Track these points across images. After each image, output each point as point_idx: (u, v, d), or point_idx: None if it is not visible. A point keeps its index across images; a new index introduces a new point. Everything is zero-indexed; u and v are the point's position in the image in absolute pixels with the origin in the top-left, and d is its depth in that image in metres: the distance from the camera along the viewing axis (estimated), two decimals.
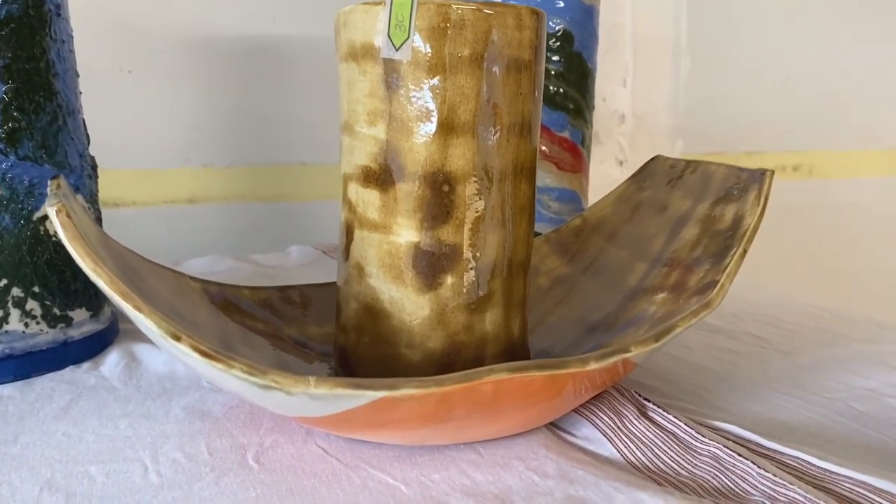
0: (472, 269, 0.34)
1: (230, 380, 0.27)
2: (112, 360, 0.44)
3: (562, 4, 0.53)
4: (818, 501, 0.27)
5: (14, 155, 0.40)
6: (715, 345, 0.49)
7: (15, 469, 0.32)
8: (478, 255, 0.34)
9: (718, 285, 0.35)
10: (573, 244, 0.48)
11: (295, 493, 0.30)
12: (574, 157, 0.56)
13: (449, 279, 0.34)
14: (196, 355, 0.27)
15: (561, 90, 0.54)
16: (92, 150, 0.47)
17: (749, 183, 0.40)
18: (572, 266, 0.47)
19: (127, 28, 0.75)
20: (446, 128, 0.32)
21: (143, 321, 0.27)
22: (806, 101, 1.12)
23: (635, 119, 0.99)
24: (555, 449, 0.33)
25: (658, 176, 0.47)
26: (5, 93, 0.40)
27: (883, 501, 0.27)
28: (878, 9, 1.16)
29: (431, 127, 0.32)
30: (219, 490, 0.31)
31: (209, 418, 0.37)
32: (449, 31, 0.32)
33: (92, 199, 0.46)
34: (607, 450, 0.33)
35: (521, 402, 0.31)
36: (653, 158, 0.49)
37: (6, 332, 0.41)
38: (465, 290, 0.34)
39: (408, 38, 0.32)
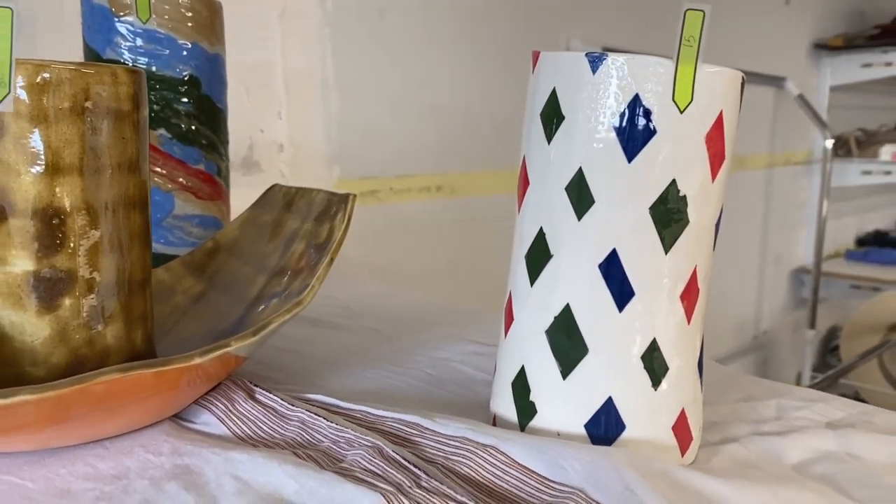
0: (89, 290, 0.39)
1: None
2: None
3: (186, 53, 0.60)
4: (364, 437, 0.36)
5: None
6: (335, 339, 0.58)
7: None
8: (95, 277, 0.39)
9: (310, 287, 0.45)
10: (207, 264, 0.55)
11: None
12: (211, 186, 0.63)
13: (67, 301, 0.39)
14: None
15: (193, 127, 0.61)
16: None
17: (339, 204, 0.50)
18: (205, 284, 0.54)
19: None
20: (54, 169, 0.37)
21: None
22: (444, 128, 1.30)
23: (293, 148, 1.08)
24: (174, 434, 0.39)
25: (275, 202, 0.56)
26: None
27: (409, 429, 0.38)
28: (497, 48, 1.38)
29: (39, 168, 0.37)
30: None
31: None
32: (49, 87, 0.37)
33: None
34: (220, 430, 0.40)
35: (137, 397, 0.37)
36: (271, 187, 0.57)
37: None
38: (84, 310, 0.39)
39: (9, 91, 0.36)
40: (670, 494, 0.32)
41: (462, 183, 1.34)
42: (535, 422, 0.38)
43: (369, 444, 0.36)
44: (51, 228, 0.38)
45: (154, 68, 0.59)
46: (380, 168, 1.21)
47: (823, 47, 2.39)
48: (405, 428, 0.38)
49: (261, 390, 0.43)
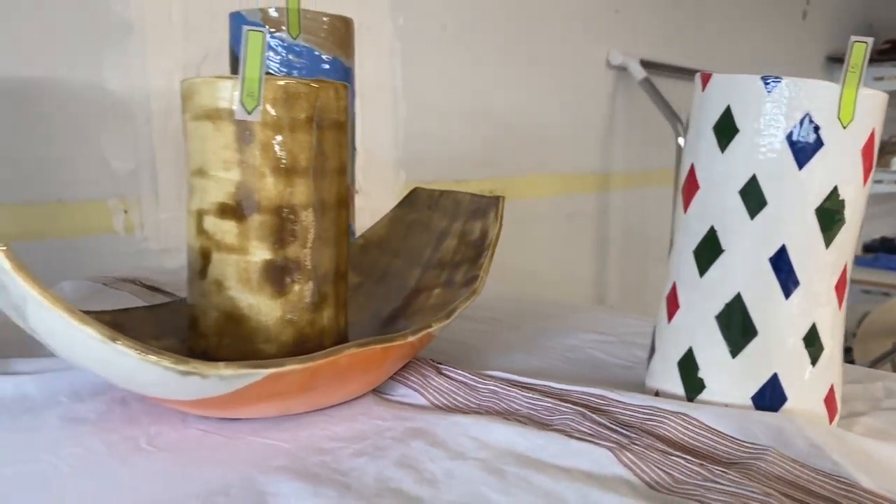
0: (312, 278, 0.45)
1: (153, 370, 0.35)
2: None
3: (327, 66, 0.65)
4: (562, 405, 0.42)
5: None
6: (464, 327, 0.64)
7: None
8: (316, 266, 0.45)
9: (479, 279, 0.50)
10: (361, 259, 0.60)
11: (195, 461, 0.39)
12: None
13: (296, 287, 0.44)
14: (133, 353, 0.34)
15: None
16: None
17: (488, 205, 0.56)
18: (361, 276, 0.59)
19: None
20: (292, 172, 0.43)
21: (85, 330, 0.34)
22: (496, 134, 1.36)
23: (365, 153, 1.14)
24: (384, 404, 0.45)
25: (419, 203, 0.62)
26: None
27: (598, 400, 0.43)
28: (543, 59, 1.45)
29: (279, 171, 0.43)
30: (128, 469, 0.38)
31: (87, 423, 0.43)
32: (290, 101, 0.42)
33: None
34: (419, 400, 0.46)
35: (362, 370, 0.43)
36: (413, 190, 0.63)
37: None
38: (309, 295, 0.45)
39: (258, 105, 0.42)
40: (845, 451, 0.38)
41: (512, 186, 1.39)
42: (704, 395, 0.44)
43: (571, 410, 0.41)
44: (285, 223, 0.43)
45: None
46: (440, 173, 1.27)
47: (837, 60, 2.47)
48: (593, 399, 0.44)
49: (445, 367, 0.49)
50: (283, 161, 0.43)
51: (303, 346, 0.45)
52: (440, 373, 0.48)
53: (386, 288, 0.58)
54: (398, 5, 1.17)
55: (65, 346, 0.37)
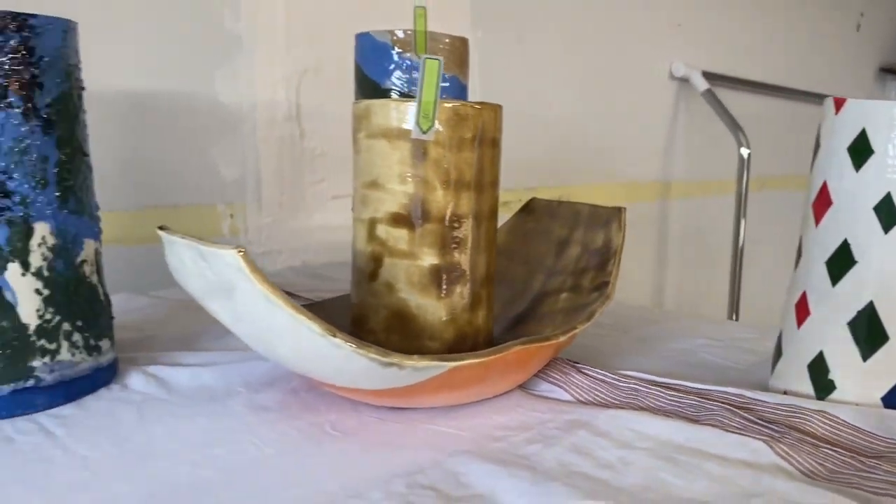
0: (471, 281, 0.49)
1: (360, 361, 0.40)
2: (137, 380, 0.52)
3: (448, 85, 0.70)
4: (705, 402, 0.46)
5: (66, 210, 0.47)
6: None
7: (162, 457, 0.41)
8: (474, 271, 0.49)
9: (610, 284, 0.54)
10: None
11: (382, 445, 0.43)
12: None
13: (457, 289, 0.49)
14: (347, 346, 0.39)
15: None
16: None
17: (610, 216, 0.60)
18: None
19: None
20: (458, 185, 0.47)
21: (306, 323, 0.38)
22: (563, 143, 1.40)
23: None
24: (534, 398, 0.49)
25: (537, 212, 0.66)
26: (60, 159, 0.47)
27: (738, 399, 0.47)
28: (607, 70, 1.48)
29: (448, 184, 0.47)
30: (322, 450, 0.42)
31: (271, 411, 0.47)
32: (459, 122, 0.47)
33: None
34: (564, 396, 0.50)
35: (521, 366, 0.47)
36: (531, 199, 0.67)
37: (58, 361, 0.47)
38: (468, 297, 0.49)
39: (432, 125, 0.46)
40: None
41: (577, 194, 1.43)
42: (834, 395, 0.47)
43: (717, 407, 0.45)
44: (450, 232, 0.48)
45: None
46: (514, 181, 1.31)
47: (889, 71, 2.48)
48: (734, 398, 0.47)
49: (582, 365, 0.53)
50: (451, 175, 0.47)
51: (462, 343, 0.49)
52: (579, 371, 0.52)
53: (510, 291, 0.62)
54: (478, 20, 1.21)
55: (276, 337, 0.41)
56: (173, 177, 0.90)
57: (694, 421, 0.44)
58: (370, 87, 0.70)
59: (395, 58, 0.68)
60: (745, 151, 1.57)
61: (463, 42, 0.72)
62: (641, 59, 1.58)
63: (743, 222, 1.58)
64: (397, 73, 0.69)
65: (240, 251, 0.38)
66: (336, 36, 1.01)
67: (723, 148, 1.63)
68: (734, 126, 1.57)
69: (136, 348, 0.58)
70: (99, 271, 0.51)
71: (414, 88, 0.69)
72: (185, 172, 0.91)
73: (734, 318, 1.61)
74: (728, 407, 0.45)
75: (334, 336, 0.39)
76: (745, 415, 0.44)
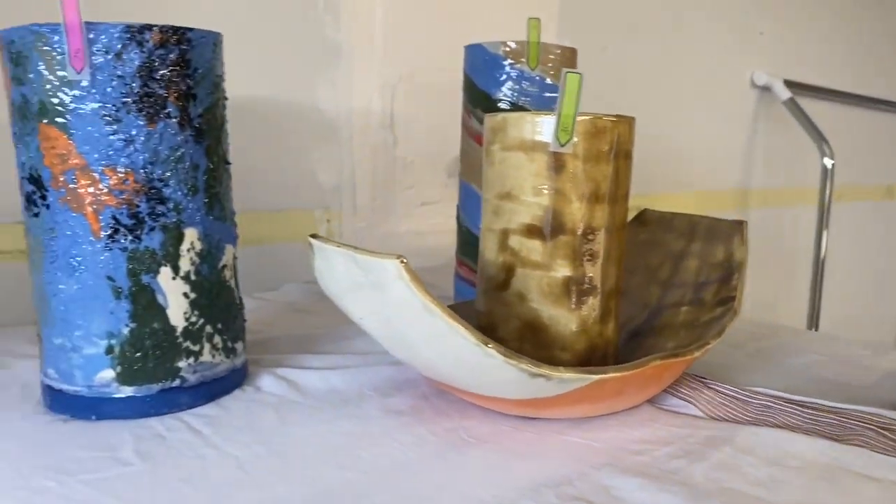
0: (602, 293, 0.49)
1: (510, 371, 0.40)
2: (269, 382, 0.53)
3: (555, 94, 0.70)
4: (845, 421, 0.45)
5: (211, 216, 0.49)
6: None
7: (310, 459, 0.42)
8: (605, 283, 0.49)
9: (736, 299, 0.54)
10: None
11: (522, 454, 0.43)
12: None
13: (589, 300, 0.49)
14: (499, 356, 0.39)
15: None
16: None
17: (731, 229, 0.60)
18: None
19: None
20: (594, 198, 0.48)
21: (462, 332, 0.39)
22: (641, 154, 1.39)
23: None
24: (665, 413, 0.49)
25: (650, 223, 0.66)
26: (209, 167, 0.49)
27: (877, 419, 0.46)
28: (688, 80, 1.47)
29: (584, 197, 0.47)
30: (463, 457, 0.43)
31: (405, 415, 0.48)
32: (596, 135, 0.47)
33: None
34: (693, 411, 0.50)
35: (656, 380, 0.47)
36: (642, 211, 0.67)
37: (201, 362, 0.49)
38: (599, 308, 0.49)
39: (571, 138, 0.47)
40: None
41: (655, 203, 1.42)
42: None
43: (858, 427, 0.44)
44: (585, 244, 0.48)
45: (529, 106, 0.70)
46: None
47: None
48: (873, 418, 0.47)
49: (709, 380, 0.52)
50: (587, 188, 0.48)
51: (592, 355, 0.50)
52: (707, 386, 0.52)
53: (627, 304, 0.62)
54: (564, 30, 1.21)
55: (424, 344, 0.42)
56: (274, 182, 0.92)
57: (836, 440, 0.44)
58: (480, 97, 0.71)
59: (507, 68, 0.69)
60: (828, 162, 1.53)
61: (572, 52, 0.72)
62: (722, 68, 1.55)
63: (825, 234, 1.54)
64: (508, 84, 0.69)
65: (402, 261, 0.39)
66: (428, 46, 1.03)
67: (802, 157, 1.60)
68: (817, 136, 1.54)
69: (257, 350, 0.60)
70: (236, 275, 0.53)
71: (525, 99, 0.70)
72: (286, 178, 0.93)
73: (814, 329, 1.58)
74: (869, 427, 0.44)
75: (488, 345, 0.39)
76: (890, 436, 0.43)
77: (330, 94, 0.95)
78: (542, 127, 0.47)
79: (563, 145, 0.47)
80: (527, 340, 0.49)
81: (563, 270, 0.48)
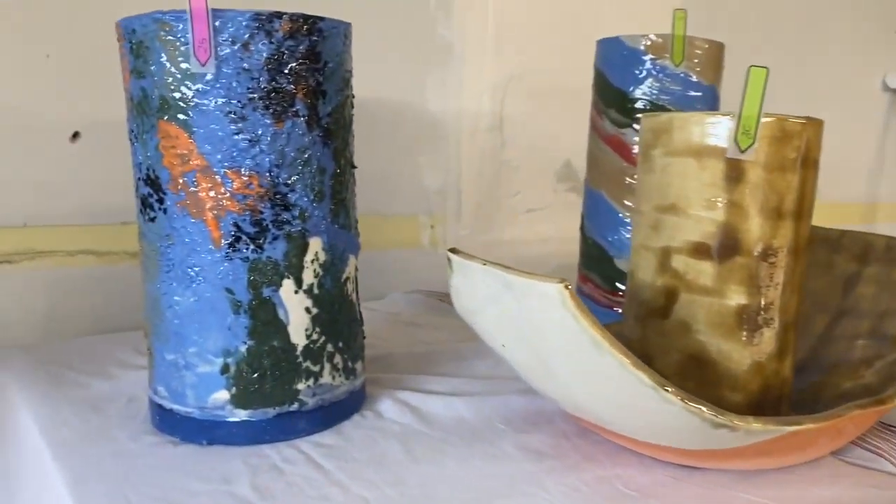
0: (780, 325, 0.42)
1: (688, 418, 0.34)
2: (389, 407, 0.48)
3: (697, 93, 0.63)
4: None
5: (336, 224, 0.44)
6: None
7: (447, 501, 0.37)
8: (784, 314, 0.42)
9: None
10: None
11: None
12: None
13: (766, 333, 0.42)
14: (678, 401, 0.33)
15: None
16: None
17: None
18: None
19: None
20: (776, 213, 0.41)
21: (635, 372, 0.33)
22: None
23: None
24: (852, 467, 0.42)
25: (813, 242, 0.58)
26: (335, 171, 0.44)
27: None
28: (813, 83, 1.36)
29: (766, 212, 0.41)
30: None
31: (547, 457, 0.42)
32: (783, 140, 0.40)
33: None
34: (886, 467, 0.42)
35: (846, 432, 0.40)
36: None
37: (320, 384, 0.44)
38: (776, 342, 0.42)
39: (753, 143, 0.40)
40: None
41: None
42: None
43: None
44: (765, 268, 0.41)
45: (670, 105, 0.63)
46: None
47: None
48: None
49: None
50: (770, 201, 0.41)
51: (766, 396, 0.43)
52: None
53: None
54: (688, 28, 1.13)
55: (579, 379, 0.36)
56: (381, 186, 0.88)
57: None
58: (615, 96, 0.64)
59: (648, 64, 0.62)
60: None
61: (720, 47, 0.65)
62: (852, 70, 1.43)
63: None
64: (649, 82, 0.63)
65: (566, 286, 0.33)
66: (540, 45, 0.97)
67: None
68: None
69: (373, 368, 0.55)
70: (357, 289, 0.48)
71: (665, 97, 0.63)
72: (393, 182, 0.89)
73: None
74: None
75: (666, 389, 0.33)
76: None
77: (439, 93, 0.91)
78: (718, 129, 0.41)
79: (743, 151, 0.40)
80: (689, 377, 0.42)
81: (736, 297, 0.41)
